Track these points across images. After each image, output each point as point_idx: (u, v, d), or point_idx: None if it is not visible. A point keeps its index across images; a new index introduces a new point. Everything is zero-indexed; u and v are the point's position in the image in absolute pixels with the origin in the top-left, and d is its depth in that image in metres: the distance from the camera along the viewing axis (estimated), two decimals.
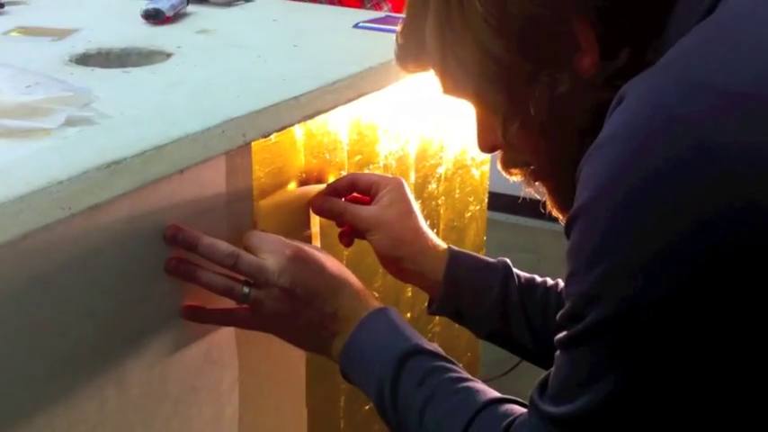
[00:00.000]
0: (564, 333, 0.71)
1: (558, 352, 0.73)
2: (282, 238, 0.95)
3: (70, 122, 0.87)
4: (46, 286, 0.78)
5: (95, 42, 1.24)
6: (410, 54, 0.87)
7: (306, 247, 0.96)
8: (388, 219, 1.05)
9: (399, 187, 1.07)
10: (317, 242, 1.11)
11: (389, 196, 1.06)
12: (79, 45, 1.22)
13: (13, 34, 1.29)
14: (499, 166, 0.88)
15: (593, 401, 0.69)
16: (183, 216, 0.91)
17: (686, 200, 0.63)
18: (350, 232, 1.09)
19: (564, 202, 0.84)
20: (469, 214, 1.57)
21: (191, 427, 0.98)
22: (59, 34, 1.28)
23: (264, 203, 1.02)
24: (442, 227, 1.47)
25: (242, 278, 0.92)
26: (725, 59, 0.67)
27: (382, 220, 1.05)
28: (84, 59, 1.18)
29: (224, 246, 0.91)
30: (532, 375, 0.80)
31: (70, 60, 1.16)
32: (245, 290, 0.92)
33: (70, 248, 0.79)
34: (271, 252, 0.93)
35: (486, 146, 0.87)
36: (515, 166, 0.87)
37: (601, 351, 0.69)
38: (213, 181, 0.94)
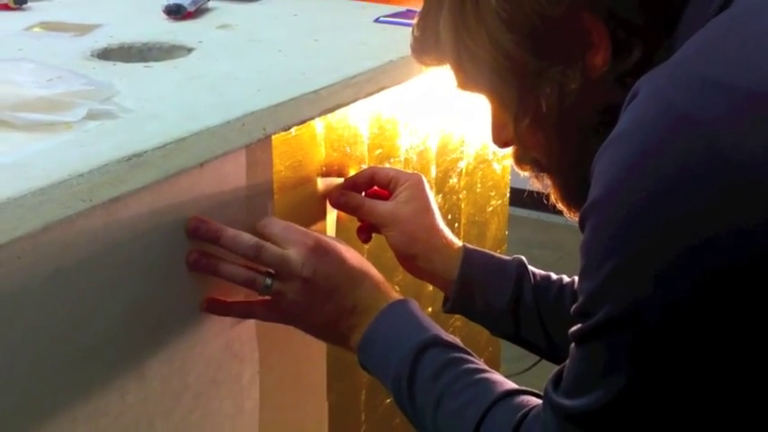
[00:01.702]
0: (577, 327, 0.72)
1: (572, 346, 0.73)
2: (304, 229, 0.95)
3: (91, 116, 0.87)
4: (66, 278, 0.78)
5: (117, 37, 1.24)
6: (425, 47, 0.87)
7: (327, 239, 0.96)
8: (403, 215, 1.04)
9: (418, 183, 1.07)
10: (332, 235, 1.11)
11: (407, 192, 1.06)
12: (101, 40, 1.23)
13: (36, 30, 1.30)
14: (512, 161, 0.89)
15: (606, 397, 0.69)
16: (203, 209, 0.91)
17: (699, 210, 0.63)
18: (367, 227, 1.09)
19: (570, 197, 0.85)
20: (491, 209, 1.56)
21: (211, 421, 0.98)
22: (81, 30, 1.28)
23: (283, 196, 1.02)
24: (463, 221, 1.47)
25: (263, 270, 0.93)
26: (736, 57, 0.66)
27: (397, 217, 1.04)
28: (106, 54, 1.18)
29: (247, 237, 0.91)
30: None
31: (92, 55, 1.16)
32: (267, 281, 0.92)
33: (90, 241, 0.80)
34: (293, 243, 0.93)
35: (500, 141, 0.87)
36: (528, 162, 0.87)
37: (611, 347, 0.69)
38: (233, 174, 0.94)
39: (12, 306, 0.74)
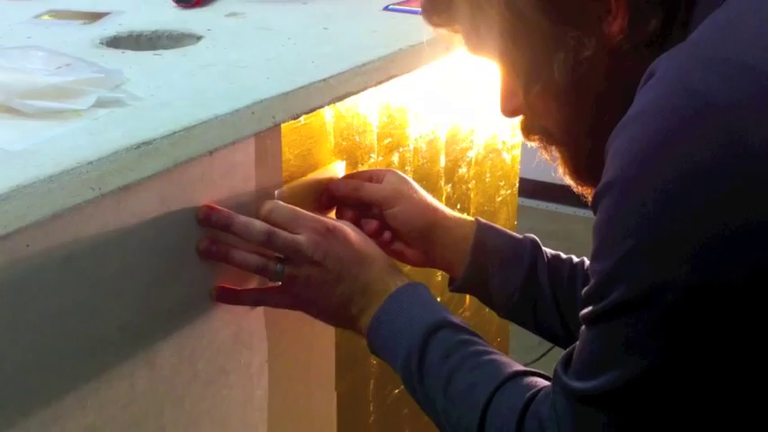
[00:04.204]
0: (589, 309, 0.71)
1: (582, 327, 0.73)
2: (311, 214, 0.95)
3: (100, 104, 0.87)
4: (75, 266, 0.78)
5: (126, 25, 1.24)
6: (437, 7, 0.85)
7: (335, 222, 0.96)
8: (405, 191, 1.03)
9: (397, 172, 1.06)
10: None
11: (395, 177, 1.04)
12: (110, 28, 1.23)
13: (45, 18, 1.30)
14: (519, 131, 0.87)
15: (620, 378, 0.69)
16: (212, 197, 0.91)
17: (720, 196, 0.62)
18: (378, 229, 1.05)
19: (578, 169, 0.84)
20: (500, 198, 1.56)
21: (221, 409, 0.98)
22: (90, 18, 1.28)
23: (292, 184, 1.01)
24: (472, 211, 1.47)
25: (274, 256, 0.92)
26: (756, 37, 0.65)
27: (399, 191, 1.03)
28: (115, 42, 1.18)
29: (258, 224, 0.91)
30: None
31: (101, 43, 1.16)
32: (279, 266, 0.92)
33: (100, 229, 0.80)
34: (303, 228, 0.92)
35: (508, 109, 0.86)
36: (535, 132, 0.86)
37: (623, 331, 0.68)
38: (243, 163, 0.94)
39: (21, 294, 0.74)
